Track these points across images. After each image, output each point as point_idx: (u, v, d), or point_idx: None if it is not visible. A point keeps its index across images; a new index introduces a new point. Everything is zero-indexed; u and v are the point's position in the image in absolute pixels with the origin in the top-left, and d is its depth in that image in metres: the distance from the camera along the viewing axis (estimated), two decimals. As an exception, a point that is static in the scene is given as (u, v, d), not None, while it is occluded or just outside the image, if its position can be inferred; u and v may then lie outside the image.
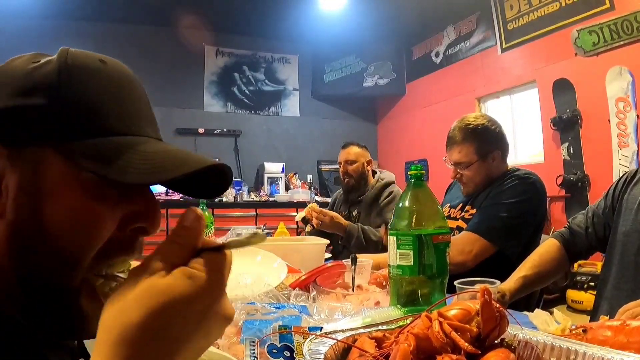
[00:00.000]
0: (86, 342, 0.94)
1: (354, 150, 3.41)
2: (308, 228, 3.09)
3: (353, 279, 1.45)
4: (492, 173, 2.20)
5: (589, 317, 1.79)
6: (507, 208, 2.03)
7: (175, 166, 0.56)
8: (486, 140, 2.17)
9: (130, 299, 0.46)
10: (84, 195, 0.56)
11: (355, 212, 3.33)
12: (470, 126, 2.18)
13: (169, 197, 7.32)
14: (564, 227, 1.85)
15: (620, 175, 1.80)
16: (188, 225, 0.53)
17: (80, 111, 0.57)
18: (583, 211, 1.84)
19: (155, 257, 0.49)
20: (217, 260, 0.51)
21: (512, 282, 1.61)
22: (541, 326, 0.95)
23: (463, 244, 2.00)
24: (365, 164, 3.38)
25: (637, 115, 4.49)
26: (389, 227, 1.21)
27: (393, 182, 3.35)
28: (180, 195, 6.98)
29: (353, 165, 3.36)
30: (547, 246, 1.80)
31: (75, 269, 0.57)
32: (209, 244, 0.53)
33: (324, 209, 3.07)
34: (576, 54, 4.71)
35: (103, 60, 0.62)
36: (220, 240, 2.53)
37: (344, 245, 3.06)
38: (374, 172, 3.45)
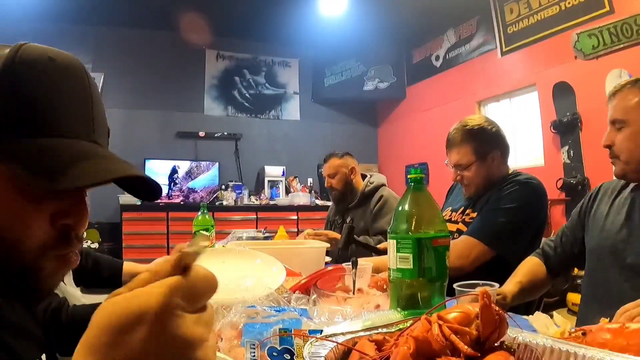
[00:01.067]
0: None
1: (333, 162, 3.43)
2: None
3: (354, 282, 1.45)
4: (493, 174, 2.20)
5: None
6: (507, 213, 2.03)
7: (92, 175, 0.61)
8: (484, 140, 2.18)
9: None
10: (10, 189, 0.61)
11: (348, 220, 3.35)
12: (468, 127, 2.20)
13: (170, 201, 7.33)
14: (538, 249, 1.90)
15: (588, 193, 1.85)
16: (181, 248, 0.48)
17: (11, 110, 0.60)
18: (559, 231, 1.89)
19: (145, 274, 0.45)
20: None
21: (511, 285, 1.63)
22: (541, 329, 0.96)
23: (462, 248, 2.00)
24: (348, 173, 3.38)
25: (637, 119, 4.49)
26: (388, 230, 1.21)
27: (383, 185, 3.34)
28: (181, 199, 6.97)
29: (334, 177, 3.39)
30: (531, 260, 1.85)
31: (19, 255, 0.62)
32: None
33: (318, 230, 3.10)
34: (576, 57, 4.71)
35: (53, 58, 0.66)
36: (220, 244, 2.53)
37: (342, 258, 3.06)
38: (364, 176, 3.46)
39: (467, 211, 2.24)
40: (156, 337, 0.39)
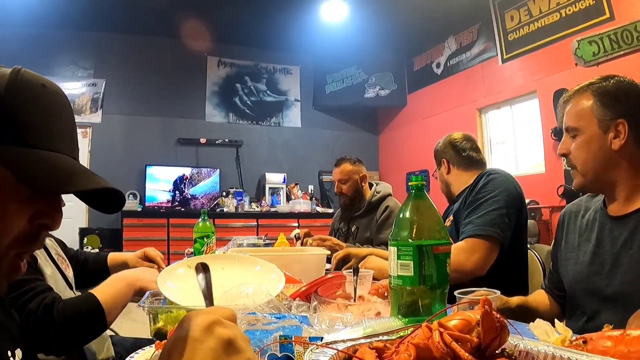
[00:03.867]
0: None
1: (346, 168, 3.39)
2: (297, 244, 3.11)
3: (354, 289, 1.45)
4: (448, 181, 2.45)
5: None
6: (490, 202, 2.07)
7: (80, 183, 0.71)
8: (437, 151, 2.56)
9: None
10: (2, 188, 0.68)
11: (353, 228, 3.33)
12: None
13: (171, 208, 7.32)
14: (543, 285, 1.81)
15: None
16: None
17: (13, 123, 0.69)
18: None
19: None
20: None
21: (515, 298, 1.59)
22: (542, 337, 0.95)
23: (471, 250, 1.98)
24: (359, 180, 3.35)
25: (638, 126, 4.48)
26: (389, 237, 1.21)
27: (389, 195, 3.32)
28: (181, 206, 6.96)
29: (346, 184, 3.35)
30: (540, 292, 1.75)
31: None
32: None
33: (323, 236, 3.10)
34: (576, 64, 4.72)
35: (44, 84, 0.75)
36: (220, 250, 2.52)
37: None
38: (370, 185, 3.43)
39: (445, 221, 2.27)
40: None
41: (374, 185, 3.41)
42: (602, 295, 1.43)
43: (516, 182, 2.20)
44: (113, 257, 2.10)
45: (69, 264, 1.86)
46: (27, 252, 0.75)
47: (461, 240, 2.06)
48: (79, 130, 6.92)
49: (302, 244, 3.11)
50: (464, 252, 1.95)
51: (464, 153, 2.41)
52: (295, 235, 3.26)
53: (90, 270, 2.04)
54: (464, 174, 2.36)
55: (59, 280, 1.63)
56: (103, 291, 1.46)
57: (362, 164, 3.46)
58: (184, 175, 7.53)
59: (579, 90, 1.50)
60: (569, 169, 5.08)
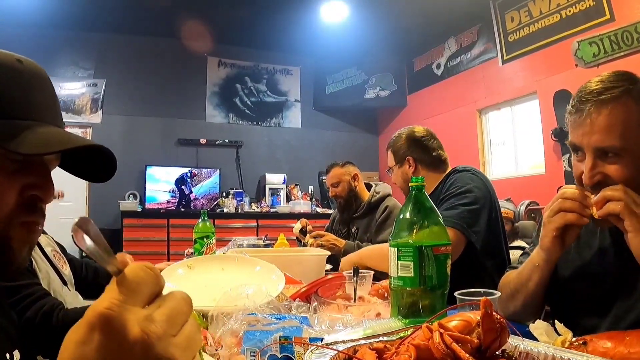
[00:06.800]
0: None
1: (335, 172, 3.41)
2: (308, 237, 3.08)
3: (355, 290, 1.45)
4: (410, 179, 2.21)
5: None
6: (458, 197, 2.04)
7: (61, 143, 0.73)
8: (399, 146, 2.36)
9: None
10: None
11: (354, 229, 3.33)
12: (393, 137, 2.45)
13: (170, 208, 7.32)
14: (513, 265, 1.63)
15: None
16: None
17: None
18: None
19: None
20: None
21: None
22: (542, 338, 0.95)
23: None
24: (351, 181, 3.36)
25: (638, 127, 4.48)
26: (389, 238, 1.21)
27: (388, 195, 3.31)
28: (181, 207, 6.93)
29: (338, 186, 3.37)
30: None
31: None
32: None
33: (320, 232, 3.09)
34: (577, 65, 4.73)
35: (20, 60, 0.78)
36: (220, 251, 2.51)
37: None
38: (369, 186, 3.43)
39: None
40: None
41: (373, 186, 3.40)
42: (602, 291, 1.30)
43: (484, 177, 2.16)
44: None
45: (66, 261, 1.85)
46: (32, 221, 0.77)
47: None
48: (79, 130, 6.94)
49: (309, 233, 3.11)
50: None
51: (434, 152, 2.31)
52: (301, 230, 3.26)
53: (104, 284, 1.99)
54: (433, 174, 2.27)
55: (53, 279, 1.61)
56: None
57: (351, 165, 3.46)
58: (184, 175, 7.53)
59: (613, 97, 1.11)
60: (570, 170, 4.91)
